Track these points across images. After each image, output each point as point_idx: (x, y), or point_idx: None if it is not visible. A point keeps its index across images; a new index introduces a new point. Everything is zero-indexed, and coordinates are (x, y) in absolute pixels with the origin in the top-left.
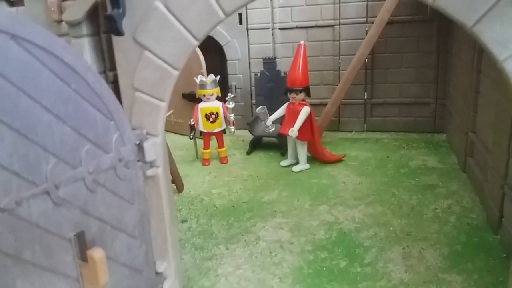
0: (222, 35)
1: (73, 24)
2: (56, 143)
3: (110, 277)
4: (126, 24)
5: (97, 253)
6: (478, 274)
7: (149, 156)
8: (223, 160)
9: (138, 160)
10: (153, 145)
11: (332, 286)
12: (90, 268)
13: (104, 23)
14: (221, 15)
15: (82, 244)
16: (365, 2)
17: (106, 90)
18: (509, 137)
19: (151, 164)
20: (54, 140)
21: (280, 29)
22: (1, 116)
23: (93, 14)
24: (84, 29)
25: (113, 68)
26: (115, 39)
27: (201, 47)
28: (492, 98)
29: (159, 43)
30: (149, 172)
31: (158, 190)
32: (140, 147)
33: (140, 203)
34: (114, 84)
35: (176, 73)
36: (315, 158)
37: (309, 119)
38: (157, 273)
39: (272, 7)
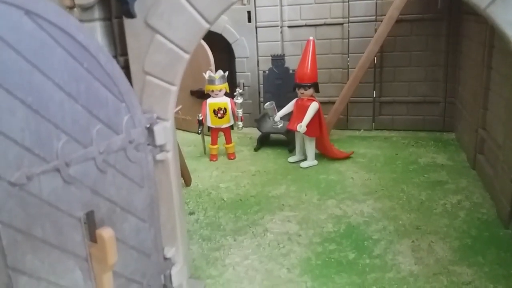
0: (231, 33)
1: (85, 8)
2: (67, 121)
3: (119, 259)
4: (138, 7)
5: (106, 232)
6: (488, 267)
7: (159, 140)
8: (230, 156)
9: (148, 144)
10: (163, 129)
11: (341, 277)
12: (99, 248)
13: (116, 5)
14: None
15: (91, 224)
16: (374, 0)
17: (117, 71)
18: None
19: (161, 149)
20: (66, 118)
21: (289, 27)
22: (14, 90)
23: None
24: (96, 13)
25: (124, 53)
26: (127, 22)
27: (210, 45)
28: (502, 94)
29: (171, 26)
30: (159, 157)
31: (168, 175)
32: (150, 131)
33: (150, 187)
34: (125, 70)
35: (187, 56)
36: (323, 154)
37: (317, 115)
38: (165, 259)
39: (281, 5)
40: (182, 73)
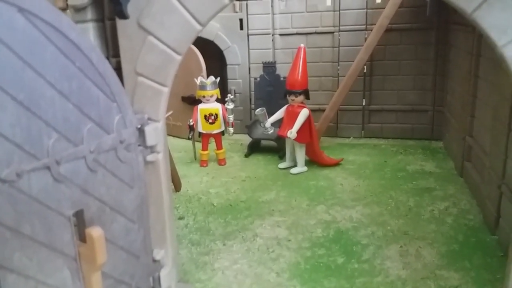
0: (223, 40)
1: (78, 9)
2: (58, 118)
3: (108, 260)
4: (130, 9)
5: (95, 232)
6: (475, 271)
7: (150, 141)
8: (221, 161)
9: (139, 145)
10: (154, 130)
11: (329, 281)
12: (88, 247)
13: (109, 7)
14: (225, 0)
15: (81, 223)
16: (365, 10)
17: (109, 71)
18: (507, 137)
19: (152, 150)
20: (57, 115)
21: (280, 35)
22: (6, 86)
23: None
24: (89, 14)
25: (116, 55)
26: (120, 23)
27: (202, 52)
28: (489, 101)
29: (163, 27)
30: (150, 158)
31: (158, 176)
32: (141, 132)
33: (140, 188)
34: (117, 71)
35: (179, 58)
36: (313, 161)
37: (307, 122)
38: (154, 261)
39: (273, 13)
40: (174, 75)
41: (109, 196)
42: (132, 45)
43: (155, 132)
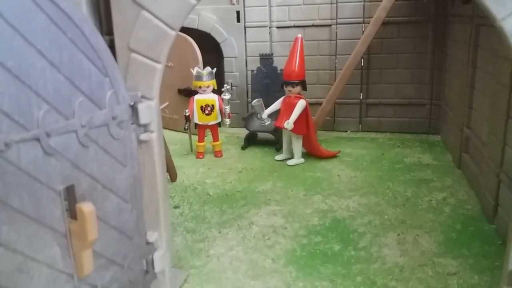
0: (220, 32)
1: None
2: (49, 89)
3: (99, 239)
4: None
5: (86, 207)
6: (473, 259)
7: (143, 119)
8: (217, 153)
9: (132, 123)
10: (148, 108)
11: (326, 268)
12: (78, 224)
13: None
14: None
15: (71, 199)
16: (362, 2)
17: (102, 44)
18: (505, 125)
19: (145, 128)
20: (47, 86)
21: (277, 27)
22: None
23: None
24: None
25: (110, 32)
26: None
27: (198, 44)
28: (487, 91)
29: (157, 2)
30: (143, 136)
31: (152, 156)
32: (134, 109)
33: (133, 167)
34: (111, 49)
35: (173, 33)
36: (310, 153)
37: (304, 113)
38: (148, 243)
39: (270, 6)
40: (168, 51)
41: (101, 173)
42: (125, 20)
43: (148, 110)
